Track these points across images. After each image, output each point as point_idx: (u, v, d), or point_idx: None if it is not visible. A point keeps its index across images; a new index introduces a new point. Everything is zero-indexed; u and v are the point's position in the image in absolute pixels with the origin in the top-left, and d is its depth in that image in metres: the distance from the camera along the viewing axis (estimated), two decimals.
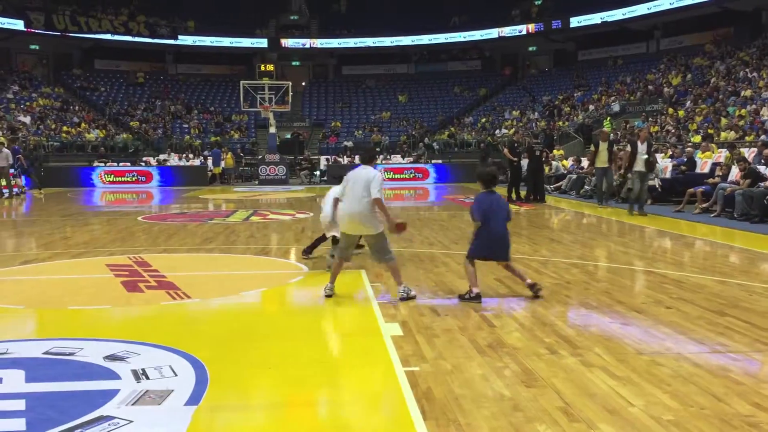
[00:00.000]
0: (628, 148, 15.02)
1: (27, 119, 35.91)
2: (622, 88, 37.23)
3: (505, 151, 19.52)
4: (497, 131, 38.21)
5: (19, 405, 3.88)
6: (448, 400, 3.98)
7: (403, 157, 35.18)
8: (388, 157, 35.00)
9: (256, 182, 31.50)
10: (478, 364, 4.65)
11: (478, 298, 6.55)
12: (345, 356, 5.04)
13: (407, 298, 6.61)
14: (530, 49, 48.32)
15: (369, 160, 7.14)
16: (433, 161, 33.97)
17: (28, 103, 38.48)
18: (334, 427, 3.77)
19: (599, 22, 41.82)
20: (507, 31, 46.07)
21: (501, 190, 21.84)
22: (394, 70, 49.96)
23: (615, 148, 17.35)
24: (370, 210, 6.71)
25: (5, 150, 21.73)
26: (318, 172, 32.97)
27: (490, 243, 6.80)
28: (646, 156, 14.36)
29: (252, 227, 13.45)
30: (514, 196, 18.75)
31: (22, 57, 44.69)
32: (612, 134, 20.13)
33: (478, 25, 46.50)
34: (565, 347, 5.01)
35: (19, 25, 41.20)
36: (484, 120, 41.28)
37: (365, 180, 6.74)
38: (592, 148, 17.98)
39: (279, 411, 4.02)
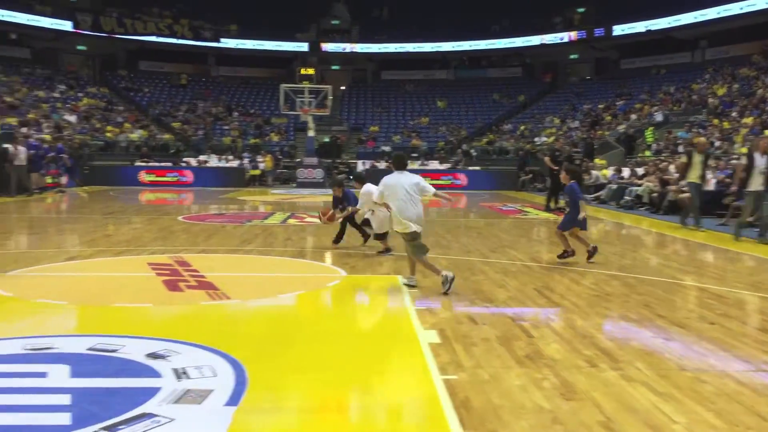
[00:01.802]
0: (743, 161, 12.68)
1: (73, 118, 36.71)
2: (665, 97, 36.66)
3: (546, 159, 19.36)
4: (536, 139, 37.92)
5: (64, 399, 3.97)
6: (486, 410, 3.95)
7: (440, 162, 35.11)
8: (426, 162, 34.97)
9: (294, 185, 31.73)
10: (517, 374, 4.61)
11: (573, 254, 9.41)
12: (382, 362, 5.04)
13: (410, 285, 7.45)
14: (571, 56, 47.90)
15: (403, 166, 7.83)
16: (470, 168, 33.85)
17: (74, 103, 39.34)
18: None
19: (643, 30, 41.26)
20: (549, 38, 45.76)
21: (540, 199, 21.69)
22: (433, 75, 49.96)
23: (709, 160, 15.13)
24: (422, 210, 7.60)
25: (21, 148, 22.00)
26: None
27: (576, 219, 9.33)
28: (766, 171, 12.06)
29: (289, 230, 13.55)
30: (552, 204, 18.57)
31: (69, 57, 45.76)
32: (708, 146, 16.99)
33: (520, 32, 46.26)
34: (605, 360, 4.94)
35: (67, 26, 42.25)
36: (523, 127, 41.00)
37: (414, 184, 7.57)
38: (684, 159, 15.31)
39: (317, 415, 4.04)
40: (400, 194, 7.46)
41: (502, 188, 30.17)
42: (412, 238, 7.53)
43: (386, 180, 7.63)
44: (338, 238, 10.76)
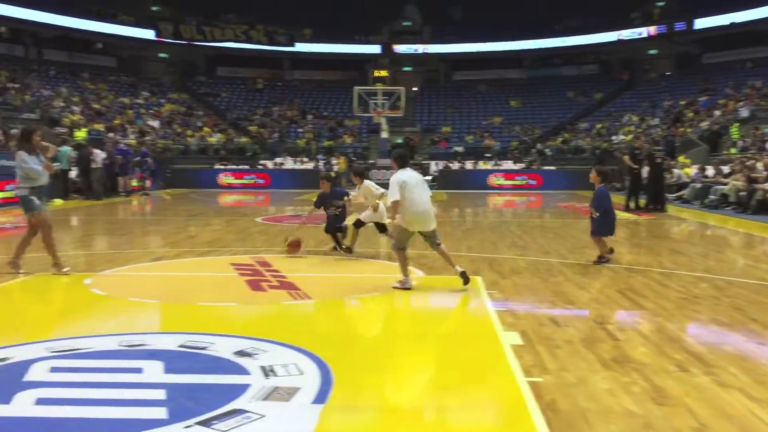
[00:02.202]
0: None
1: (156, 123, 38.08)
2: (751, 92, 35.15)
3: (626, 158, 18.87)
4: (614, 137, 37.02)
5: (160, 394, 4.12)
6: (574, 413, 3.89)
7: (514, 162, 34.73)
8: (499, 162, 34.66)
9: None
10: (603, 378, 4.52)
11: (608, 260, 9.09)
12: (465, 363, 5.02)
13: (465, 278, 7.38)
14: (650, 52, 46.54)
15: (407, 163, 7.76)
16: (545, 167, 33.34)
17: (156, 108, 40.81)
18: None
19: (727, 23, 39.70)
20: (626, 34, 44.61)
21: (618, 198, 21.18)
22: (506, 75, 49.44)
23: None
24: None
25: (97, 151, 22.91)
26: (428, 177, 33.04)
27: (613, 224, 9.26)
28: None
29: (366, 230, 13.62)
30: (632, 204, 18.10)
31: (152, 65, 47.51)
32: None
33: (595, 28, 45.27)
34: (697, 365, 4.78)
35: (150, 34, 43.88)
36: (599, 126, 40.09)
37: (423, 180, 7.73)
38: None
39: (402, 415, 4.06)
40: (417, 188, 7.42)
41: (579, 188, 29.54)
42: (432, 234, 7.59)
43: (400, 176, 7.43)
44: (339, 244, 10.28)
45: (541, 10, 45.66)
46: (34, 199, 8.26)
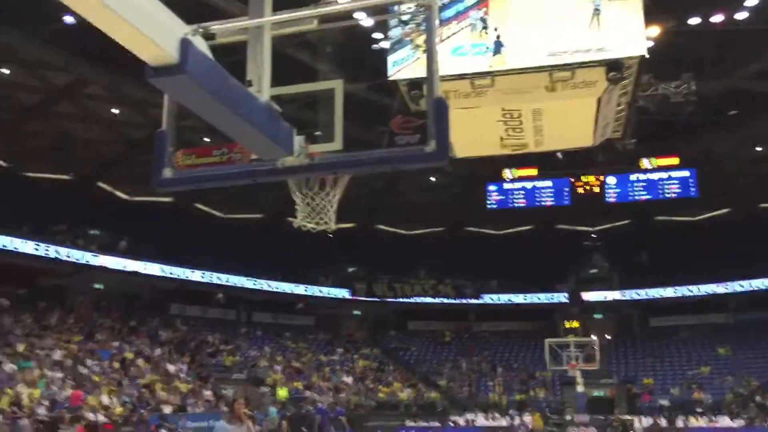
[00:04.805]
0: None
1: (349, 379, 39.14)
2: None
3: None
4: None
5: None
6: None
7: (732, 418, 31.15)
8: (714, 419, 31.27)
9: None
10: None
11: None
12: None
13: None
14: None
15: None
16: None
17: (350, 365, 42.19)
18: None
19: None
20: None
21: None
22: (709, 320, 46.22)
23: None
24: None
25: (310, 408, 23.42)
26: None
27: None
28: None
29: None
30: None
31: (346, 321, 50.17)
32: None
33: None
34: None
35: (345, 294, 47.05)
36: None
37: None
38: None
39: None
40: None
41: None
42: None
43: None
44: None
45: (742, 250, 43.38)
46: None
